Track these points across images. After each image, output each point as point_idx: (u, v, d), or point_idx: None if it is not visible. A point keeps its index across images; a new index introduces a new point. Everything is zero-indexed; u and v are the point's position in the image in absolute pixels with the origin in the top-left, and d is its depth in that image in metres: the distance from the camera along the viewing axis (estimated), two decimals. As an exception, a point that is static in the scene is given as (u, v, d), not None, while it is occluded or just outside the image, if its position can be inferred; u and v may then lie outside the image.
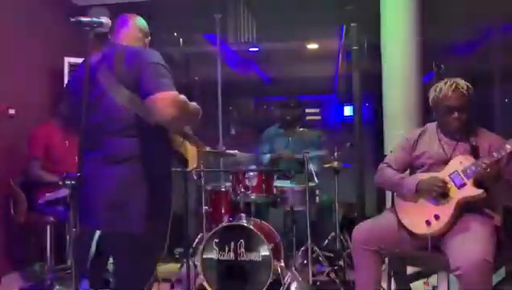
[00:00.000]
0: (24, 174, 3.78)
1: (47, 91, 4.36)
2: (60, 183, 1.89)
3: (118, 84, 2.03)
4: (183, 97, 2.03)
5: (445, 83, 2.63)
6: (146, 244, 2.07)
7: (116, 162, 2.05)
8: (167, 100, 1.95)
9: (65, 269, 3.74)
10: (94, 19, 1.99)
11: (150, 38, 2.40)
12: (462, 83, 2.60)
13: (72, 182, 1.88)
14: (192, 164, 2.43)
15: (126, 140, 2.07)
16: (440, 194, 2.52)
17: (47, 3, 4.46)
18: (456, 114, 2.57)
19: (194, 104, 2.17)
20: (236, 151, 3.81)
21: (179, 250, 4.49)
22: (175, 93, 1.99)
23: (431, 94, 2.69)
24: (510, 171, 2.53)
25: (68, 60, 4.20)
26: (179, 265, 3.96)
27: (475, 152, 2.56)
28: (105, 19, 2.06)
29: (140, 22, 2.36)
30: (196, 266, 3.57)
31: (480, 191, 2.47)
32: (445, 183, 2.53)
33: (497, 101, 6.11)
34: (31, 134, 3.80)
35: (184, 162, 2.40)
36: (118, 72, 2.04)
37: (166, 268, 4.15)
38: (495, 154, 2.43)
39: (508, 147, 2.41)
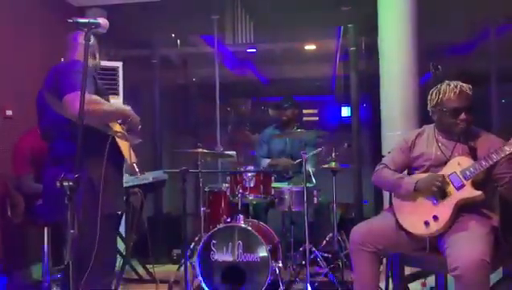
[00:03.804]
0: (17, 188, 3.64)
1: (45, 92, 4.33)
2: (58, 184, 1.87)
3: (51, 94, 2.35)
4: (93, 97, 2.25)
5: (448, 85, 2.60)
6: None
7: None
8: (70, 100, 2.19)
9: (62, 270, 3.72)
10: (91, 20, 1.99)
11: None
12: (465, 84, 2.59)
13: (70, 183, 1.87)
14: (130, 158, 2.45)
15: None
16: (439, 188, 2.49)
17: (46, 4, 4.45)
18: (463, 116, 2.55)
19: (116, 104, 2.49)
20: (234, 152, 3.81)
21: (177, 251, 4.50)
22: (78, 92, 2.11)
23: (433, 97, 2.65)
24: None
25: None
26: (177, 266, 3.96)
27: (473, 154, 2.56)
28: (102, 20, 2.07)
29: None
30: (194, 267, 3.57)
31: (478, 192, 2.46)
32: (444, 178, 2.52)
33: (494, 102, 6.11)
34: (14, 151, 3.66)
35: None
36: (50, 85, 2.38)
37: (164, 269, 4.15)
38: (494, 156, 2.42)
39: (507, 148, 2.40)
